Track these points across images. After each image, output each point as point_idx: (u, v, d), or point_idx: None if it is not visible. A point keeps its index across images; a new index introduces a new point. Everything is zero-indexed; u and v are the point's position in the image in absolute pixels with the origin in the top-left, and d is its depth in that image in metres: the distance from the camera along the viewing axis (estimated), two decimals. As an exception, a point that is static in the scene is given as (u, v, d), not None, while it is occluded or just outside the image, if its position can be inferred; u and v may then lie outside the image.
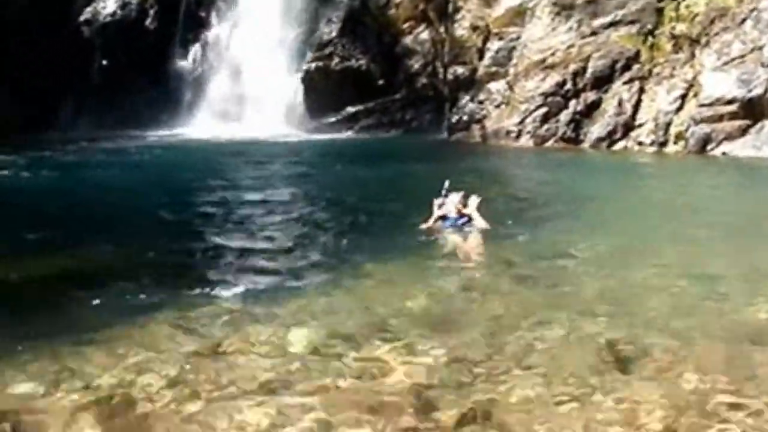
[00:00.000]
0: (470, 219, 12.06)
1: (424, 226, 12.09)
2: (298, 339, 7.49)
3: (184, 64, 31.23)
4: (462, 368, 6.68)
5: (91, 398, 6.25)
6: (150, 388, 6.38)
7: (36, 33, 28.64)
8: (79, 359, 7.02)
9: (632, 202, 15.71)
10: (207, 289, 9.22)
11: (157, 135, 27.46)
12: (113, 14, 31.08)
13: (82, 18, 30.90)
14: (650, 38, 25.08)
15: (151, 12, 31.26)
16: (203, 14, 31.69)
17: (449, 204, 12.17)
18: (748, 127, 22.60)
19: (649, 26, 25.16)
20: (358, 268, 10.21)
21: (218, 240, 12.11)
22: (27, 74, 28.06)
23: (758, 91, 22.32)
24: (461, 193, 12.28)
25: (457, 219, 12.06)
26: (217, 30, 31.55)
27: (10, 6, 28.75)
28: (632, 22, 25.28)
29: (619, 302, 8.47)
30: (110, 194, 16.63)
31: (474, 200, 12.23)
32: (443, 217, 12.15)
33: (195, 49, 31.40)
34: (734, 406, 5.93)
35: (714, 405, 5.95)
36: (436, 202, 12.24)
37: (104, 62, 30.20)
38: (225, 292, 9.10)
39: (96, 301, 8.72)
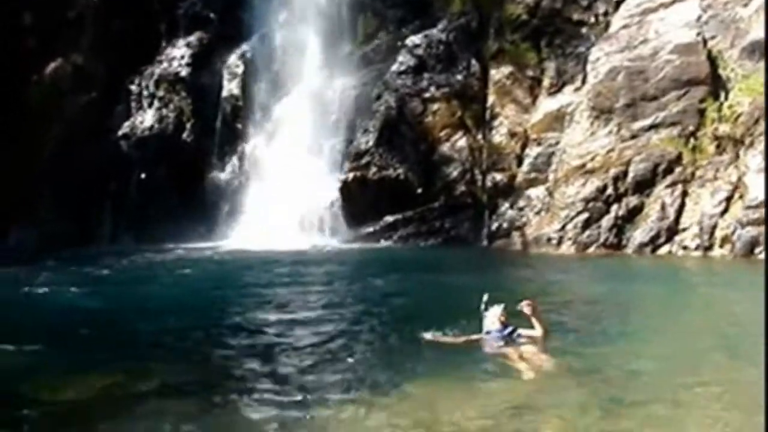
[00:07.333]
0: (516, 329, 11.80)
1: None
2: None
3: (222, 176, 31.25)
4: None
5: None
6: None
7: (76, 148, 28.85)
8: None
9: (686, 312, 15.32)
10: (250, 408, 9.20)
11: (196, 248, 27.29)
12: (151, 128, 31.28)
13: (120, 132, 31.14)
14: (692, 140, 24.77)
15: (188, 125, 31.44)
16: (240, 126, 31.81)
17: (491, 316, 11.95)
18: (796, 229, 22.14)
19: (691, 128, 24.87)
20: (406, 385, 9.97)
21: (259, 360, 11.78)
22: (68, 189, 28.25)
23: (805, 192, 21.84)
24: (502, 305, 12.03)
25: (502, 330, 11.81)
26: (253, 142, 31.63)
27: (54, 124, 29.10)
28: (673, 124, 25.03)
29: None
30: (150, 312, 16.24)
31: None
32: (487, 332, 11.93)
33: (232, 161, 31.45)
34: None
35: None
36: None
37: (142, 176, 30.30)
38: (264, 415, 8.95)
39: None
